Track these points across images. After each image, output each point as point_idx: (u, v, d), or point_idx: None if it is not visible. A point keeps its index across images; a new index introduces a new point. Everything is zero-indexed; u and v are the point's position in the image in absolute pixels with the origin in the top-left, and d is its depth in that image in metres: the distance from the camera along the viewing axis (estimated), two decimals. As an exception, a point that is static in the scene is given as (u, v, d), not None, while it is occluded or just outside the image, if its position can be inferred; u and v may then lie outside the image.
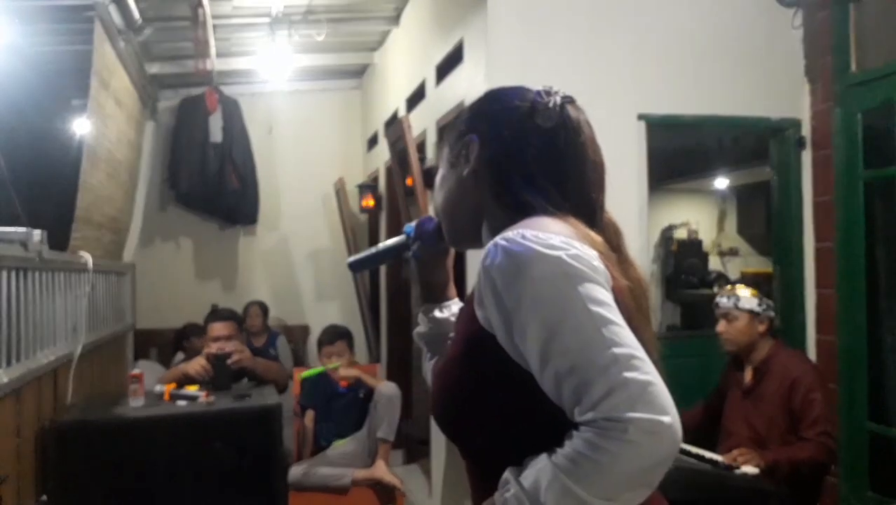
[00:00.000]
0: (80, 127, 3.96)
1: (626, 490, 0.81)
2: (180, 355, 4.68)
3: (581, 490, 0.80)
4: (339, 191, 5.63)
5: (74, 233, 3.29)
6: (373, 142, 5.66)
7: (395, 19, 4.75)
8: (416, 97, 4.18)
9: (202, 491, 2.61)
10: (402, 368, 5.16)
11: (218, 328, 3.41)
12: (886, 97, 2.84)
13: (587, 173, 1.05)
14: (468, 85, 3.24)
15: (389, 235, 5.15)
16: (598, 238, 0.96)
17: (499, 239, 0.91)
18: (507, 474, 0.90)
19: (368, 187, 5.52)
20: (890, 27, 2.95)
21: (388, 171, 4.78)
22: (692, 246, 4.18)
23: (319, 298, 6.21)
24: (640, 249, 2.98)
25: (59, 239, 3.01)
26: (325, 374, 3.61)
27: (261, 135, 5.98)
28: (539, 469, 0.84)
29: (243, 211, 5.96)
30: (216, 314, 3.56)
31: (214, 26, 4.35)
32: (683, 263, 5.99)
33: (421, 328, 1.28)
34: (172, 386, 2.91)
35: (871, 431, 2.92)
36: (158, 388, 2.93)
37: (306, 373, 3.70)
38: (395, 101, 4.79)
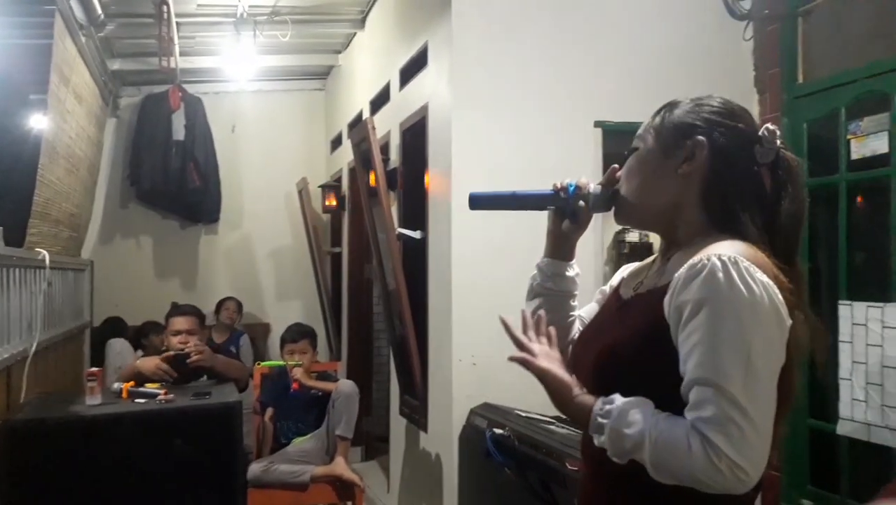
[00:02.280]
0: (39, 122, 3.91)
1: (681, 484, 1.00)
2: (139, 353, 4.65)
3: (651, 454, 0.99)
4: (302, 190, 5.64)
5: (31, 229, 3.26)
6: (336, 143, 5.68)
7: (361, 22, 4.78)
8: (381, 99, 4.22)
9: (161, 489, 2.61)
10: (362, 365, 5.20)
11: (179, 322, 3.41)
12: (831, 108, 2.97)
13: (793, 215, 1.12)
14: (432, 89, 3.30)
15: (353, 236, 5.18)
16: (784, 280, 1.04)
17: (722, 255, 1.01)
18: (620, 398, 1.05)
19: (331, 187, 5.54)
20: (835, 40, 3.08)
21: (352, 171, 4.81)
22: (643, 248, 4.33)
23: (281, 296, 6.21)
24: (595, 252, 3.07)
25: (15, 235, 2.98)
26: (285, 371, 3.63)
27: (224, 133, 5.96)
28: (648, 423, 1.01)
29: (205, 209, 5.93)
30: (178, 308, 3.56)
31: (179, 24, 4.34)
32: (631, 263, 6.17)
33: (545, 281, 1.34)
34: (131, 384, 2.91)
35: (812, 427, 3.04)
36: (116, 385, 2.92)
37: (266, 363, 3.71)
38: (359, 102, 4.82)
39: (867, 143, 2.82)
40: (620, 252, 5.15)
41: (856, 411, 2.78)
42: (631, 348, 1.10)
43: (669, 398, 1.03)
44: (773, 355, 1.01)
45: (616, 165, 1.25)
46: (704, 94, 1.19)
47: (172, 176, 5.62)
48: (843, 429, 2.83)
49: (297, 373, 3.49)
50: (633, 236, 4.92)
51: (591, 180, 1.27)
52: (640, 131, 1.21)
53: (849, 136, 2.89)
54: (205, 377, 3.41)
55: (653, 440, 0.99)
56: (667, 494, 1.05)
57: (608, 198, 1.23)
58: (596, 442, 1.06)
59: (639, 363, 1.08)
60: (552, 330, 1.19)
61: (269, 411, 3.65)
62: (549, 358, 1.13)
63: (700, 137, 1.12)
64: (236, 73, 5.40)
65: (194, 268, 6.12)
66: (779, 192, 1.12)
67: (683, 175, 1.13)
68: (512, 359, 1.14)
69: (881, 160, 2.76)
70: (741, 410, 0.96)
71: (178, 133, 5.63)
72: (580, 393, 1.09)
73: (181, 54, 4.77)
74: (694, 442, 0.97)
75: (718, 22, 3.25)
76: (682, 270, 1.04)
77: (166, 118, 5.62)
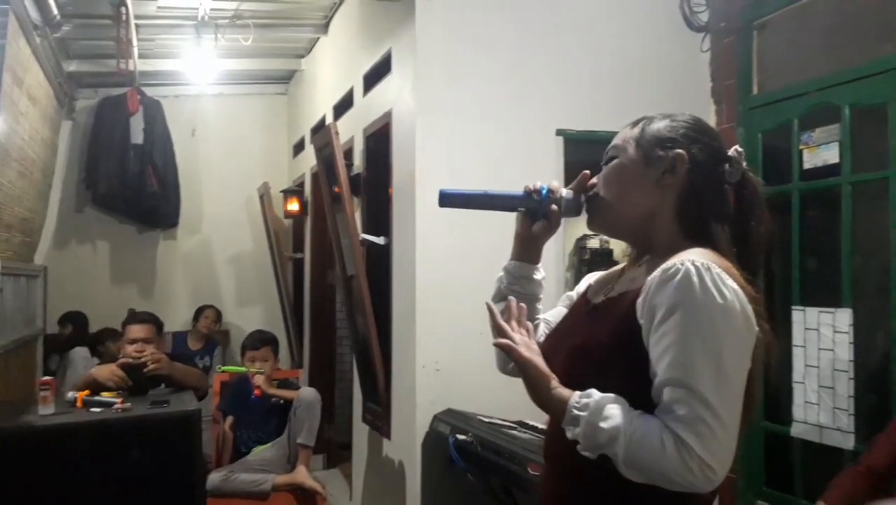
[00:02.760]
0: (-10, 124, 3.82)
1: (649, 482, 1.02)
2: (95, 360, 4.55)
3: (624, 450, 1.02)
4: (264, 195, 5.59)
5: (-18, 233, 3.17)
6: (299, 147, 5.65)
7: (324, 27, 4.76)
8: (344, 105, 4.21)
9: (118, 500, 2.56)
10: (325, 372, 5.16)
11: (136, 330, 3.34)
12: (785, 119, 3.05)
13: (761, 235, 1.19)
14: (396, 95, 3.30)
15: (315, 241, 5.15)
16: (752, 291, 1.08)
17: (695, 261, 1.05)
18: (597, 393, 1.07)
19: (294, 192, 5.50)
20: (789, 53, 3.17)
21: (315, 176, 4.79)
22: (603, 255, 4.41)
23: (241, 303, 6.13)
24: (556, 258, 3.10)
25: (-35, 240, 2.90)
26: (246, 379, 3.59)
27: (184, 137, 5.88)
28: (623, 419, 1.03)
29: (163, 214, 5.84)
30: (135, 316, 3.49)
31: (138, 26, 4.27)
32: (596, 271, 6.24)
33: (512, 284, 1.35)
34: (86, 393, 2.84)
35: (766, 430, 3.12)
36: (70, 395, 2.85)
37: (227, 368, 3.66)
38: (322, 107, 4.80)
39: (818, 153, 2.91)
40: (581, 258, 5.24)
41: (808, 414, 2.86)
42: (602, 348, 1.12)
43: (638, 398, 1.06)
44: (743, 359, 1.05)
45: (587, 172, 1.28)
46: (675, 110, 1.24)
47: (130, 180, 5.52)
48: (796, 431, 2.91)
49: (259, 380, 3.45)
50: (594, 243, 5.00)
51: (561, 185, 1.29)
52: (617, 142, 1.24)
53: (801, 147, 2.98)
54: (163, 386, 3.35)
55: (628, 436, 1.02)
56: (630, 494, 1.07)
57: (579, 203, 1.26)
58: (569, 435, 1.08)
59: (610, 363, 1.11)
60: (530, 324, 1.22)
61: (229, 420, 3.60)
62: (529, 348, 1.15)
63: (681, 151, 1.17)
64: (197, 76, 5.32)
65: (152, 274, 6.01)
66: (745, 211, 1.18)
67: (663, 186, 1.17)
68: (497, 344, 1.16)
69: (832, 170, 2.85)
70: (712, 411, 1.00)
71: (137, 136, 5.53)
72: (558, 386, 1.11)
73: (140, 57, 4.70)
74: (667, 441, 0.99)
75: (677, 33, 3.32)
76: (656, 273, 1.07)
77: (124, 121, 5.52)
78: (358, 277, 3.37)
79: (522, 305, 1.23)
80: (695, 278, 1.03)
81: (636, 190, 1.19)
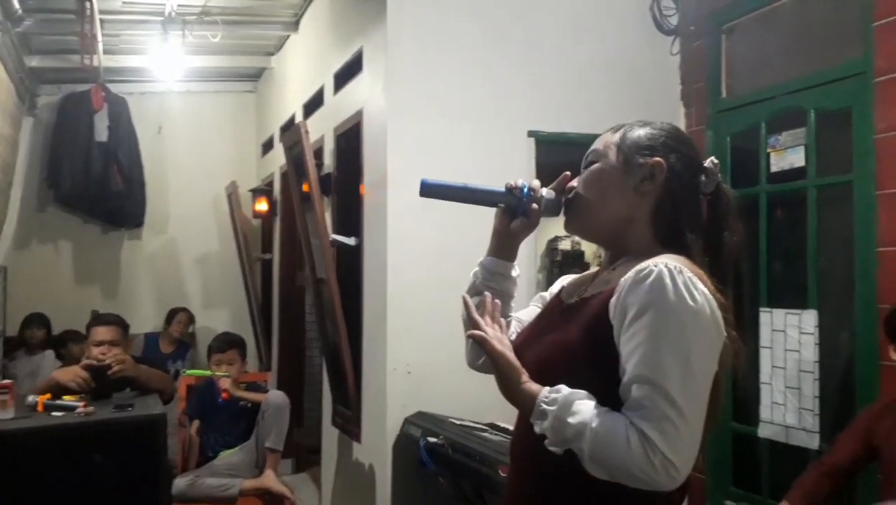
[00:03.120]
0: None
1: (612, 478, 1.03)
2: (59, 363, 4.44)
3: (590, 445, 1.02)
4: (232, 195, 5.51)
5: (-62, 233, 3.07)
6: (268, 146, 5.58)
7: (294, 25, 4.72)
8: (314, 104, 4.17)
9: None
10: (294, 375, 5.10)
11: (101, 332, 3.26)
12: (752, 122, 3.09)
13: (734, 246, 1.21)
14: (367, 95, 3.28)
15: (284, 242, 5.09)
16: (721, 298, 1.10)
17: (668, 264, 1.06)
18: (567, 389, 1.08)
19: (262, 192, 5.43)
20: (757, 57, 3.22)
21: (284, 176, 4.73)
22: (574, 256, 4.44)
23: (208, 304, 6.04)
24: (528, 259, 3.10)
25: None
26: (213, 382, 3.53)
27: (150, 135, 5.77)
28: (591, 414, 1.04)
29: (128, 213, 5.73)
30: (100, 318, 3.41)
31: (102, 21, 4.19)
32: (567, 273, 6.30)
33: (488, 280, 1.35)
34: (47, 396, 2.76)
35: (734, 431, 3.15)
36: (31, 398, 2.77)
37: (192, 371, 3.59)
38: (291, 106, 4.75)
39: (785, 156, 2.95)
40: (553, 259, 5.27)
41: (775, 414, 2.90)
42: (574, 346, 1.13)
43: (607, 396, 1.07)
44: (710, 362, 1.07)
45: (568, 173, 1.29)
46: (646, 112, 1.28)
47: (94, 178, 5.40)
48: (763, 432, 2.95)
49: (226, 383, 3.39)
50: (565, 244, 5.03)
51: (541, 185, 1.29)
52: (598, 146, 1.25)
53: (768, 150, 3.02)
54: (128, 389, 3.28)
55: (594, 431, 1.03)
56: (594, 495, 1.08)
57: (559, 204, 1.27)
58: (537, 428, 1.09)
59: (580, 361, 1.12)
60: (503, 320, 1.23)
61: (196, 424, 3.53)
62: (501, 343, 1.16)
63: (660, 159, 1.19)
64: (163, 73, 5.23)
65: (116, 274, 5.89)
66: (719, 222, 1.20)
67: (641, 193, 1.19)
68: (470, 335, 1.17)
69: (798, 173, 2.89)
70: (678, 410, 1.01)
71: (101, 134, 5.41)
72: (528, 381, 1.12)
73: (105, 52, 4.60)
74: (632, 437, 1.01)
75: (647, 37, 3.35)
76: (630, 274, 1.09)
77: (88, 118, 5.39)
78: (328, 280, 3.33)
79: (497, 301, 1.24)
80: (667, 280, 1.04)
81: (615, 195, 1.20)
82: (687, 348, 1.03)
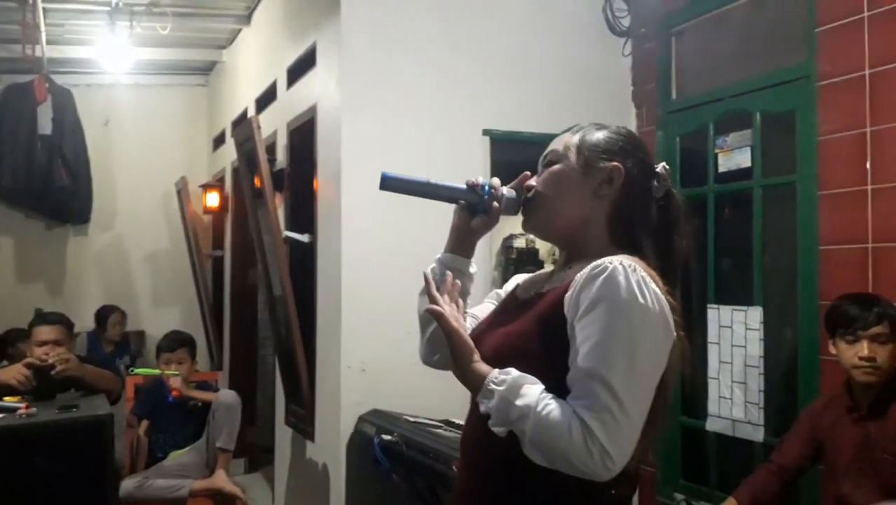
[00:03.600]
0: None
1: (550, 465, 1.05)
2: (5, 363, 4.29)
3: (532, 428, 1.05)
4: (181, 190, 5.40)
5: None
6: (219, 141, 5.49)
7: (247, 18, 4.64)
8: (267, 98, 4.11)
9: (23, 510, 2.42)
10: (246, 374, 5.03)
11: (44, 332, 3.17)
12: (701, 123, 3.16)
13: (684, 249, 1.25)
14: (321, 90, 3.24)
15: (236, 239, 5.02)
16: (672, 300, 1.13)
17: (623, 262, 1.09)
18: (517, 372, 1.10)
19: (213, 188, 5.34)
20: (706, 59, 3.29)
21: (235, 171, 4.66)
22: (529, 254, 4.49)
23: (158, 302, 5.91)
24: (483, 256, 3.11)
25: None
26: (162, 382, 3.46)
27: (96, 129, 5.62)
28: (537, 398, 1.06)
29: (74, 209, 5.57)
30: (43, 317, 3.31)
31: (46, 10, 4.06)
32: (522, 270, 6.34)
33: (445, 276, 1.33)
34: (-13, 397, 2.67)
35: (684, 424, 3.22)
36: (-31, 400, 2.68)
37: (140, 370, 3.51)
38: (244, 100, 4.68)
39: (732, 157, 3.03)
40: (508, 257, 5.30)
41: (722, 408, 2.97)
42: (527, 338, 1.15)
43: (556, 387, 1.09)
44: (657, 359, 1.09)
45: (528, 173, 1.30)
46: (598, 113, 1.29)
47: (37, 173, 5.24)
48: (711, 425, 3.02)
49: (177, 382, 3.32)
50: (520, 242, 5.08)
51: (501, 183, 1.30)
52: (557, 147, 1.27)
53: (716, 151, 3.09)
54: (73, 389, 3.19)
55: (538, 415, 1.05)
56: (543, 486, 1.10)
57: (519, 203, 1.28)
58: (482, 407, 1.11)
59: (533, 353, 1.13)
60: (461, 301, 1.26)
61: (144, 424, 3.46)
62: (458, 320, 1.18)
63: (618, 164, 1.22)
64: (110, 65, 5.10)
65: (61, 272, 5.72)
66: (669, 226, 1.24)
67: (599, 196, 1.22)
68: (428, 309, 1.18)
69: (745, 174, 2.97)
70: (619, 402, 1.03)
71: (45, 127, 5.26)
72: (479, 361, 1.15)
73: (48, 43, 4.47)
74: (574, 425, 1.03)
75: (600, 38, 3.39)
76: (585, 270, 1.11)
77: (31, 110, 5.24)
78: (281, 277, 3.29)
79: (458, 281, 1.26)
80: (620, 277, 1.07)
81: (574, 197, 1.23)
82: (634, 344, 1.05)
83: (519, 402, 1.06)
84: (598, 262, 1.10)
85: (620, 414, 1.03)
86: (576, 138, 1.25)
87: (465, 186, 1.28)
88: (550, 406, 1.05)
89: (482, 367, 1.14)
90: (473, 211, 1.29)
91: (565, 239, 1.26)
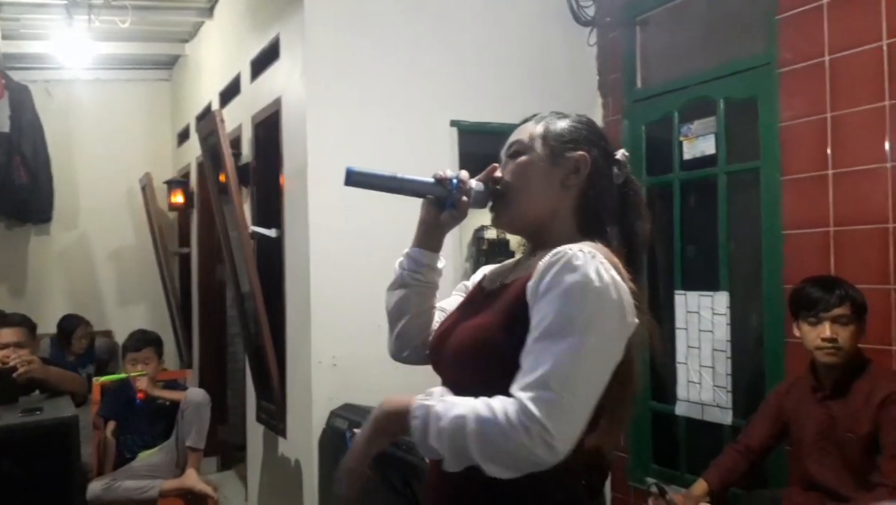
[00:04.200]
0: None
1: (514, 469, 1.02)
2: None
3: (471, 441, 1.01)
4: (146, 186, 5.31)
5: None
6: (184, 136, 5.40)
7: (209, 11, 4.57)
8: (231, 92, 4.05)
9: (-14, 516, 2.37)
10: (216, 372, 4.98)
11: (6, 334, 3.11)
12: (666, 111, 3.19)
13: (645, 234, 1.24)
14: (285, 81, 3.20)
15: (203, 235, 4.95)
16: (633, 286, 1.12)
17: (583, 248, 1.08)
18: (439, 391, 1.10)
19: (178, 183, 5.26)
20: (670, 48, 3.31)
21: (201, 166, 4.59)
22: (500, 245, 4.52)
23: (124, 301, 5.81)
24: (454, 248, 3.11)
25: None
26: (128, 382, 3.40)
27: (57, 126, 5.48)
28: (460, 405, 1.04)
29: (35, 208, 5.44)
30: (4, 319, 3.23)
31: (0, 4, 3.94)
32: (493, 261, 6.37)
33: (414, 272, 1.33)
34: (-53, 402, 2.60)
35: (654, 409, 3.26)
36: (-71, 406, 2.61)
37: (105, 378, 3.44)
38: (208, 94, 4.61)
39: (697, 144, 3.06)
40: (479, 248, 5.32)
41: (691, 393, 3.01)
42: (492, 329, 1.14)
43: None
44: (610, 344, 1.07)
45: (496, 165, 1.28)
46: (565, 103, 1.30)
47: (-5, 171, 5.11)
48: (680, 409, 3.06)
49: (143, 382, 3.26)
50: (491, 234, 5.11)
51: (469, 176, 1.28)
52: (521, 137, 1.25)
53: (681, 138, 3.12)
54: (37, 392, 3.12)
55: (475, 414, 1.02)
56: (508, 481, 1.08)
57: (487, 196, 1.26)
58: (426, 453, 1.08)
59: (499, 344, 1.12)
60: None
61: (111, 425, 3.39)
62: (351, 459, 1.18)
63: (584, 153, 1.21)
64: (69, 60, 4.98)
65: (23, 272, 5.59)
66: (630, 211, 1.24)
67: (566, 186, 1.21)
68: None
69: (709, 161, 3.00)
70: (562, 383, 1.00)
71: (2, 125, 5.14)
72: (389, 401, 1.14)
73: (3, 38, 4.35)
74: (510, 410, 1.00)
75: (565, 27, 3.40)
76: (546, 257, 1.10)
77: (-14, 108, 5.10)
78: (248, 272, 3.25)
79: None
80: (578, 262, 1.06)
81: (542, 188, 1.22)
82: (586, 326, 1.03)
83: (444, 423, 1.03)
84: (559, 248, 1.10)
85: (565, 394, 1.00)
86: (540, 128, 1.24)
87: (432, 180, 1.25)
88: (482, 405, 1.02)
89: (398, 404, 1.11)
90: (441, 205, 1.27)
91: (534, 230, 1.25)
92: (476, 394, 1.06)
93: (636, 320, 1.10)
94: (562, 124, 1.24)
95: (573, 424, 1.01)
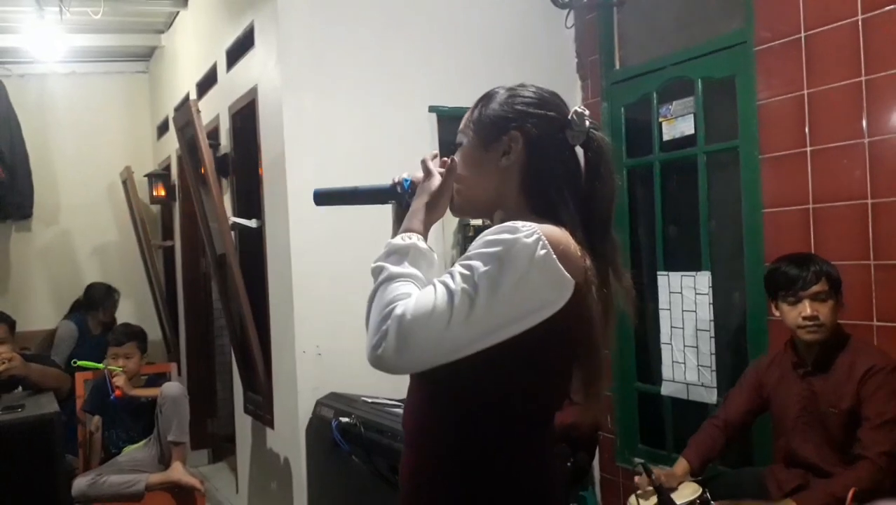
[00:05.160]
0: None
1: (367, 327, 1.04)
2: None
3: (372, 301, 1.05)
4: (127, 180, 5.26)
5: None
6: (163, 129, 5.35)
7: (183, 1, 4.51)
8: (208, 82, 4.01)
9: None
10: (204, 365, 4.96)
11: None
12: (644, 92, 3.18)
13: (604, 196, 1.17)
14: (261, 70, 3.17)
15: (185, 227, 4.92)
16: (588, 263, 1.09)
17: (526, 223, 1.06)
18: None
19: (159, 176, 5.22)
20: (647, 29, 3.30)
21: (181, 158, 4.55)
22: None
23: (109, 296, 5.76)
24: (437, 236, 3.10)
25: None
26: (107, 377, 3.38)
27: (33, 121, 5.41)
28: (411, 281, 1.07)
29: (14, 204, 5.37)
30: None
31: (-33, -3, 3.88)
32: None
33: None
34: (-73, 402, 2.58)
35: (640, 390, 3.28)
36: None
37: (84, 363, 3.39)
38: (185, 85, 4.56)
39: (676, 125, 3.06)
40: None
41: (676, 373, 3.03)
42: None
43: (488, 360, 1.05)
44: (520, 299, 1.04)
45: (447, 158, 1.26)
46: (519, 83, 1.23)
47: (-29, 168, 5.04)
48: (666, 390, 3.07)
49: (120, 381, 3.23)
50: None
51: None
52: (461, 125, 1.25)
53: (660, 119, 3.12)
54: (20, 389, 3.11)
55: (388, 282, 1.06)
56: (479, 467, 1.09)
57: None
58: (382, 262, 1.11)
59: None
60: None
61: (96, 420, 3.37)
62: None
63: (514, 132, 1.18)
64: (42, 53, 4.90)
65: (5, 269, 5.53)
66: (591, 172, 1.18)
67: (503, 168, 1.19)
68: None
69: (689, 141, 3.00)
70: (445, 309, 1.00)
71: (-24, 121, 5.06)
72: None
73: (-26, 32, 4.27)
74: (390, 298, 1.03)
75: (543, 10, 3.37)
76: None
77: (-40, 104, 5.02)
78: (229, 264, 3.23)
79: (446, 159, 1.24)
80: (513, 225, 1.05)
81: (481, 174, 1.21)
82: (494, 273, 1.01)
83: (387, 278, 1.06)
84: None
85: (438, 316, 0.99)
86: (475, 113, 1.23)
87: (389, 185, 1.28)
88: (417, 295, 1.03)
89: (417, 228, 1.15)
90: (406, 207, 1.27)
91: (488, 214, 1.25)
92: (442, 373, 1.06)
93: (566, 295, 1.06)
94: (493, 106, 1.21)
95: (422, 352, 1.01)
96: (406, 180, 1.26)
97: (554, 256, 1.04)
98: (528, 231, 1.04)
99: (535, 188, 1.18)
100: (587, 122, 1.19)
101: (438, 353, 1.01)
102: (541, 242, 1.04)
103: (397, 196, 1.27)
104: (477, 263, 1.03)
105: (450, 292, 1.01)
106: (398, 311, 1.00)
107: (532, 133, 1.18)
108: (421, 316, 0.99)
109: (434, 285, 1.03)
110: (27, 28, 4.51)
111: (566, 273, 1.05)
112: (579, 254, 1.09)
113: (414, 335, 0.99)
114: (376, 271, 1.09)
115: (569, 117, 1.19)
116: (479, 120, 1.22)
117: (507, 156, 1.19)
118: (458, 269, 1.03)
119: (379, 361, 1.01)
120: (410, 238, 1.12)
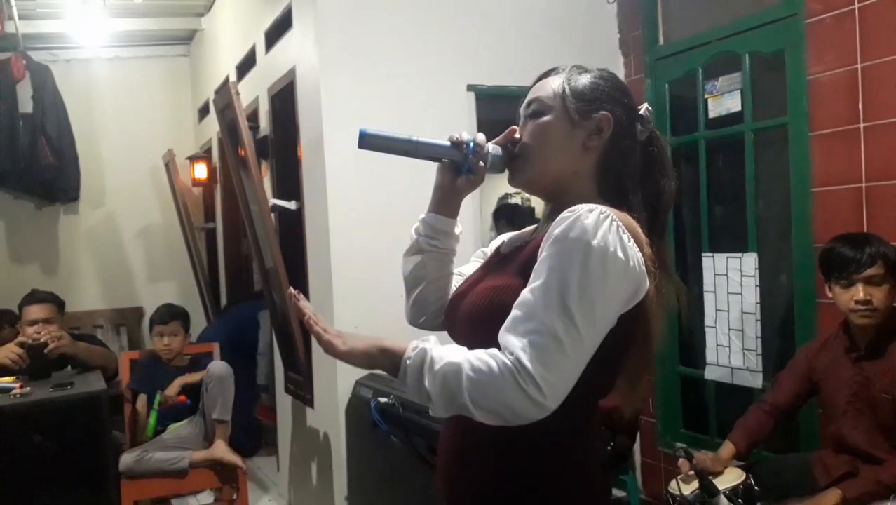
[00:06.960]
0: None
1: (501, 419, 1.00)
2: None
3: (464, 386, 1.00)
4: (169, 163, 5.34)
5: None
6: (204, 111, 5.40)
7: (222, -17, 4.53)
8: (247, 64, 4.03)
9: (24, 488, 2.44)
10: (247, 343, 5.02)
11: (34, 311, 3.16)
12: (689, 68, 3.09)
13: (670, 193, 1.19)
14: (298, 51, 3.17)
15: (227, 209, 4.97)
16: (650, 251, 1.09)
17: (597, 208, 1.04)
18: (434, 340, 1.07)
19: (201, 159, 5.28)
20: (692, 3, 3.20)
21: (221, 141, 4.59)
22: (525, 212, 4.43)
23: (153, 277, 5.88)
24: (473, 219, 3.06)
25: None
26: (157, 356, 3.46)
27: (79, 105, 5.51)
28: (454, 353, 1.03)
29: (62, 187, 5.49)
30: (32, 296, 3.29)
31: (14, -16, 3.95)
32: (518, 229, 6.31)
33: (431, 238, 1.30)
34: (-19, 379, 2.67)
35: (682, 374, 3.22)
36: (-35, 382, 2.67)
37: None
38: (225, 68, 4.59)
39: (722, 101, 2.97)
40: (506, 216, 5.29)
41: (720, 357, 2.96)
42: (507, 291, 1.10)
43: None
44: (606, 304, 1.03)
45: (515, 127, 1.23)
46: (585, 64, 1.22)
47: (21, 153, 5.16)
48: (710, 374, 3.01)
49: (173, 390, 3.35)
50: (515, 200, 5.06)
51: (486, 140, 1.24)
52: (541, 95, 1.20)
53: (706, 96, 3.03)
54: (69, 367, 3.18)
55: (467, 370, 1.00)
56: (523, 446, 1.08)
57: (505, 160, 1.22)
58: (416, 396, 1.06)
59: (512, 301, 1.08)
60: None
61: (142, 398, 3.45)
62: (344, 342, 1.11)
63: (607, 113, 1.16)
64: (86, 38, 4.98)
65: (55, 251, 5.67)
66: (653, 169, 1.18)
67: (587, 148, 1.16)
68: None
69: (735, 118, 2.91)
70: (552, 335, 0.98)
71: (25, 105, 5.16)
72: (386, 342, 1.09)
73: (21, 18, 4.36)
74: (500, 361, 0.99)
75: (583, -15, 3.29)
76: (559, 217, 1.07)
77: (10, 89, 5.13)
78: (270, 246, 3.26)
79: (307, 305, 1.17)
80: (587, 221, 1.02)
81: (563, 150, 1.17)
82: (582, 283, 0.99)
83: (440, 366, 1.01)
84: (575, 206, 1.06)
85: (554, 346, 0.98)
86: (560, 85, 1.18)
87: (448, 144, 1.21)
88: (474, 355, 1.01)
89: (395, 345, 1.08)
90: (457, 170, 1.23)
91: (552, 192, 1.21)
92: None
93: (647, 284, 1.06)
94: (583, 80, 1.18)
95: (564, 381, 1.00)
96: (470, 141, 1.20)
97: (634, 253, 1.04)
98: (599, 232, 1.02)
99: (613, 173, 1.16)
100: (652, 120, 1.21)
101: (574, 376, 1.01)
102: (625, 236, 1.04)
103: (459, 157, 1.21)
104: (564, 278, 1.00)
105: (549, 326, 0.99)
106: (524, 363, 0.97)
107: (621, 118, 1.17)
108: (543, 359, 0.98)
109: (536, 319, 1.00)
110: (71, 13, 4.58)
111: (642, 267, 1.06)
112: (645, 242, 1.08)
113: (548, 377, 0.98)
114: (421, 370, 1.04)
115: (640, 112, 1.19)
116: (567, 94, 1.17)
117: (596, 136, 1.16)
118: (547, 287, 1.01)
119: (542, 409, 0.99)
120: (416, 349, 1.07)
